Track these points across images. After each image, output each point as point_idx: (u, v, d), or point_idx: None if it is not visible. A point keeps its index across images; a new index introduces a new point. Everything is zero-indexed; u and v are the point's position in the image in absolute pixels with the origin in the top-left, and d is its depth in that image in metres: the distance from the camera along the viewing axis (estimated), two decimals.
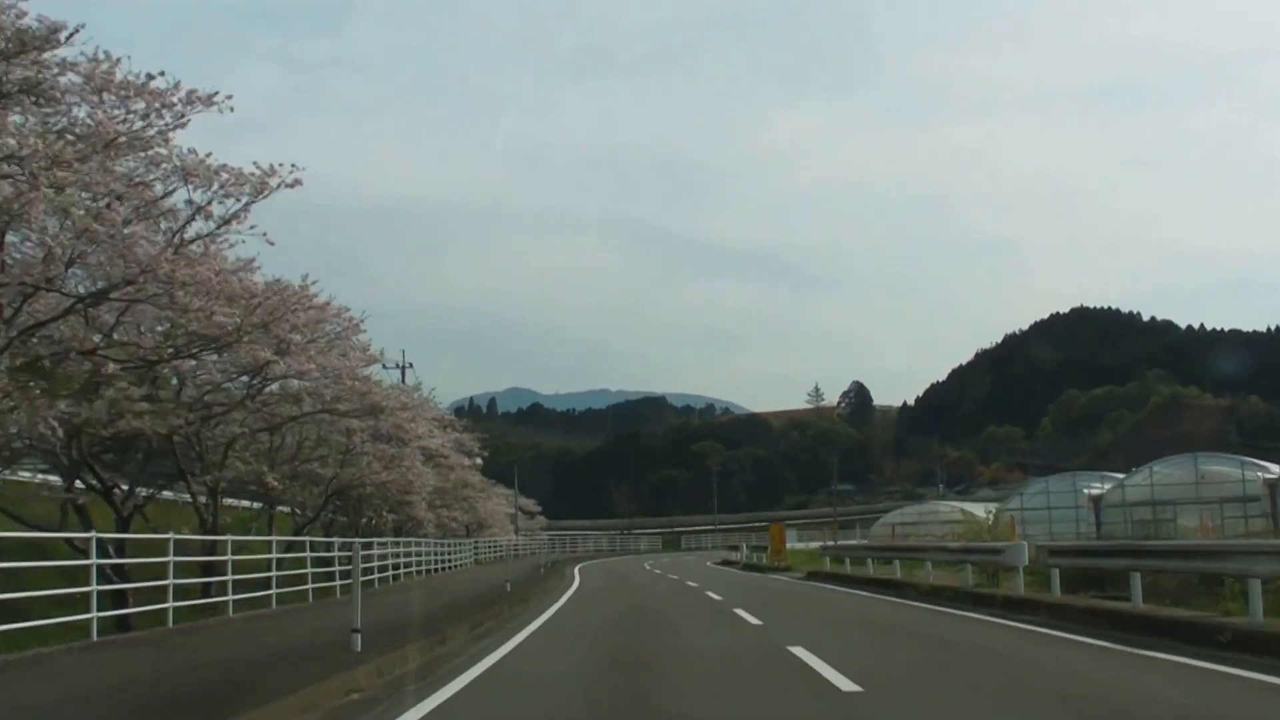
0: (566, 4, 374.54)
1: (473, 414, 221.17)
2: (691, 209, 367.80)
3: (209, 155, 13.86)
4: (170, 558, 15.35)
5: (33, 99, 11.82)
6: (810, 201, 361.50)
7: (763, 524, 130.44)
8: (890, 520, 57.31)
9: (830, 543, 47.49)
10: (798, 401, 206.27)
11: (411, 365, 47.10)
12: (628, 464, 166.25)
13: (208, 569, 17.83)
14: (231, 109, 13.29)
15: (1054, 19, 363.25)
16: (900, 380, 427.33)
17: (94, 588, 13.36)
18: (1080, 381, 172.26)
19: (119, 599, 15.14)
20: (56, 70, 12.00)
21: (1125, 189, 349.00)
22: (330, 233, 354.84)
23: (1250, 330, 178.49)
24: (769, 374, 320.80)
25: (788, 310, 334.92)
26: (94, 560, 13.59)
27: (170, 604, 15.21)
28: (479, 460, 41.05)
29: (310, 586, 21.83)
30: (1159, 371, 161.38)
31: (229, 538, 18.18)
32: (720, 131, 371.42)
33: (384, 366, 41.24)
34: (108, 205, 12.66)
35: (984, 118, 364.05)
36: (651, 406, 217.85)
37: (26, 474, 20.53)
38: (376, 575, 27.10)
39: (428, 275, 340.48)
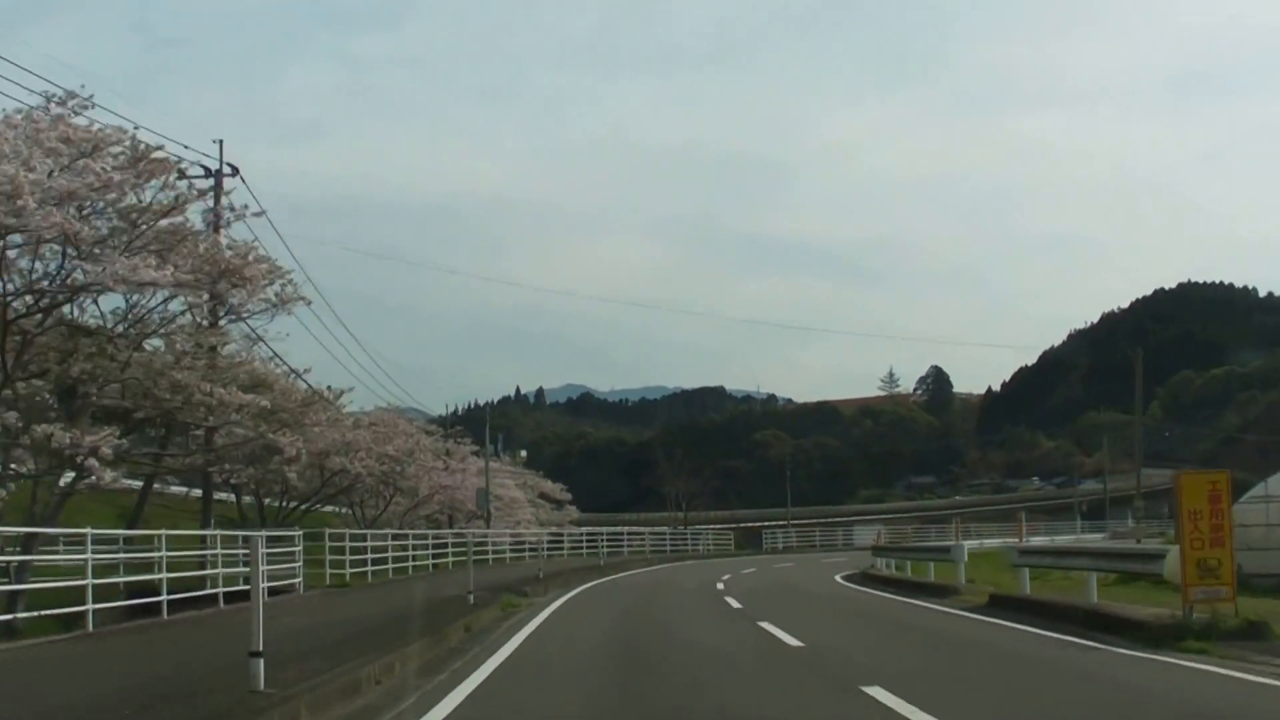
0: (624, 3, 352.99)
1: (519, 403, 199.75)
2: (753, 204, 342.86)
3: None
4: None
5: None
6: (875, 195, 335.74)
7: (841, 519, 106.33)
8: None
9: None
10: (868, 393, 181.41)
11: (237, 172, 23.44)
12: (684, 455, 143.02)
13: None
14: None
15: (1118, 7, 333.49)
16: (980, 368, 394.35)
17: None
18: (1192, 362, 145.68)
19: None
20: None
21: (1206, 178, 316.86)
22: (387, 231, 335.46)
23: None
24: (835, 368, 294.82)
25: (854, 303, 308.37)
26: None
27: None
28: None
29: None
30: None
31: None
32: (781, 127, 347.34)
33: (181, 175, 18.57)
34: None
35: (1049, 109, 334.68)
36: (709, 397, 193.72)
37: None
38: None
39: (485, 272, 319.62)
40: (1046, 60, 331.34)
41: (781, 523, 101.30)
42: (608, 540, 56.07)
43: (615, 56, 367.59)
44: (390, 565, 30.68)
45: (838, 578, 32.20)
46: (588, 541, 55.02)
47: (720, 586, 27.61)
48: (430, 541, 37.34)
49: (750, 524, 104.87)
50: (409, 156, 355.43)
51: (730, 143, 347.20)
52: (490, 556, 41.31)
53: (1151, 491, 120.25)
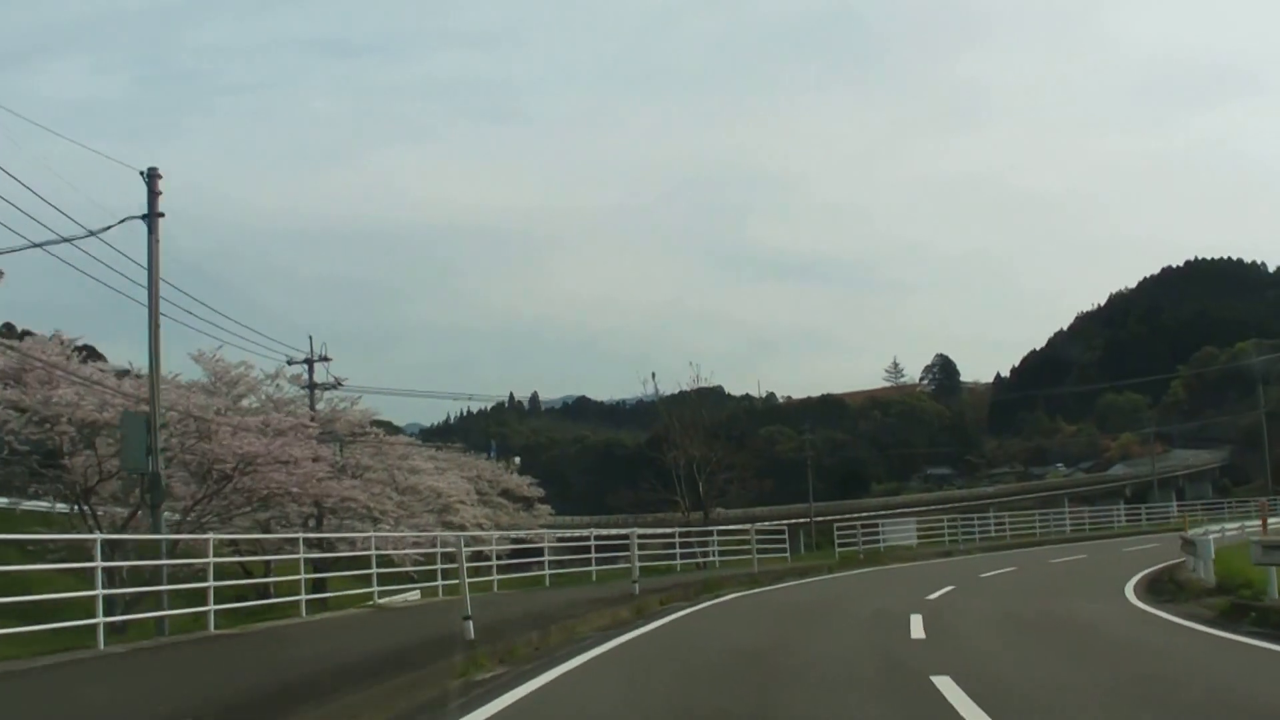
0: (629, 24, 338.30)
1: (514, 409, 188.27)
2: (746, 215, 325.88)
3: None
4: None
5: None
6: (871, 201, 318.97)
7: (865, 514, 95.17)
8: None
9: None
10: (873, 384, 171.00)
11: None
12: (697, 418, 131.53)
13: None
14: None
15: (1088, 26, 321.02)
16: (986, 354, 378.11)
17: None
18: (1210, 339, 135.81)
19: None
20: None
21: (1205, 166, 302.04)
22: (407, 253, 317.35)
23: None
24: (836, 364, 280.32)
25: (854, 301, 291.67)
26: None
27: None
28: None
29: None
30: None
31: None
32: (779, 142, 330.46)
33: None
34: None
35: (1023, 119, 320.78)
36: (708, 397, 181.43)
37: None
38: None
39: (479, 285, 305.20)
40: (1019, 72, 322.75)
41: (804, 520, 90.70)
42: (568, 555, 34.31)
43: (616, 78, 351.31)
44: None
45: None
46: (585, 553, 32.86)
47: None
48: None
49: (767, 521, 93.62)
50: (419, 181, 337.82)
51: (727, 156, 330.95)
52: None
53: (1196, 474, 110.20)
